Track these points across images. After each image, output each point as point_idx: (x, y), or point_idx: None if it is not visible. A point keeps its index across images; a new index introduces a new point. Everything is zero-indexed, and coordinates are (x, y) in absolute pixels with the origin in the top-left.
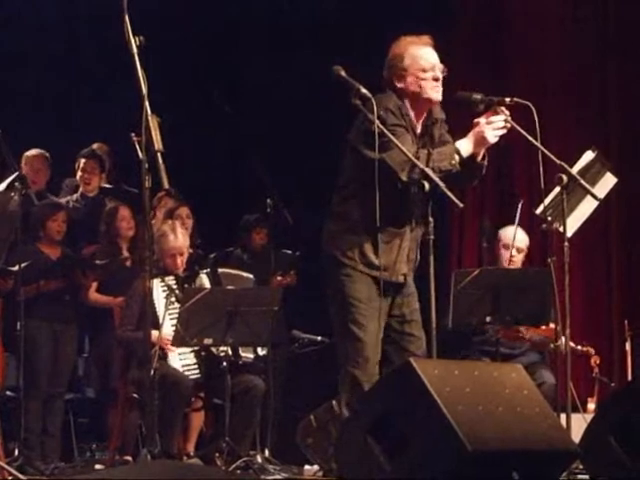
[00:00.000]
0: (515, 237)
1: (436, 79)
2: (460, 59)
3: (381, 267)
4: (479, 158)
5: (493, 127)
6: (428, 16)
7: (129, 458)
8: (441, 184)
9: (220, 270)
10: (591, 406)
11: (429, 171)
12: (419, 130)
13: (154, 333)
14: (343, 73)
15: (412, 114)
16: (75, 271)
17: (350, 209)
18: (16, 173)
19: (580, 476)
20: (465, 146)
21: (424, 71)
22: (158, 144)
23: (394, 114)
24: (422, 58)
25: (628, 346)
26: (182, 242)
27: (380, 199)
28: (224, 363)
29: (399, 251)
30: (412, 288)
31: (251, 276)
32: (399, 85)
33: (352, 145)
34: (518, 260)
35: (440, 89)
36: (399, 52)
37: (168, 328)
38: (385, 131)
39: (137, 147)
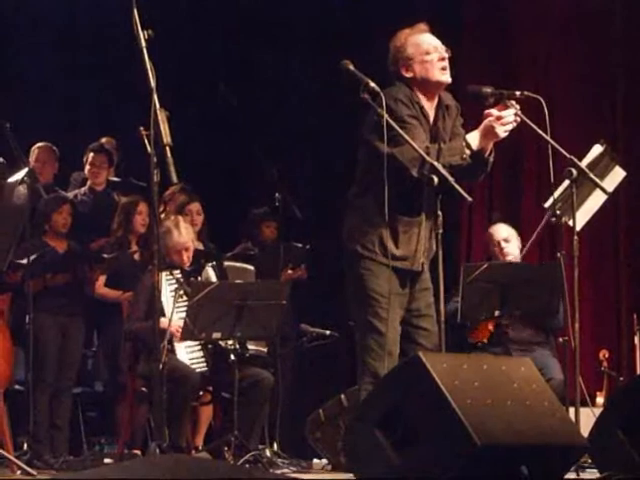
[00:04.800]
0: (498, 230)
1: (442, 58)
2: (469, 57)
3: (389, 256)
4: (486, 153)
5: (503, 122)
6: (435, 19)
7: (138, 452)
8: (450, 178)
9: (225, 263)
10: (600, 400)
11: (439, 166)
12: (432, 117)
13: (163, 320)
14: (352, 67)
15: (423, 102)
16: (82, 265)
17: (367, 202)
18: (26, 168)
19: (589, 470)
20: (475, 139)
21: (428, 53)
22: (167, 138)
23: (404, 104)
24: (423, 42)
25: (637, 340)
26: (186, 237)
27: (394, 190)
28: (232, 356)
29: (418, 240)
30: (428, 283)
31: (252, 267)
32: (408, 75)
33: (364, 139)
34: (512, 249)
35: (448, 70)
36: (400, 44)
37: (176, 321)
38: (395, 126)
39: (146, 141)
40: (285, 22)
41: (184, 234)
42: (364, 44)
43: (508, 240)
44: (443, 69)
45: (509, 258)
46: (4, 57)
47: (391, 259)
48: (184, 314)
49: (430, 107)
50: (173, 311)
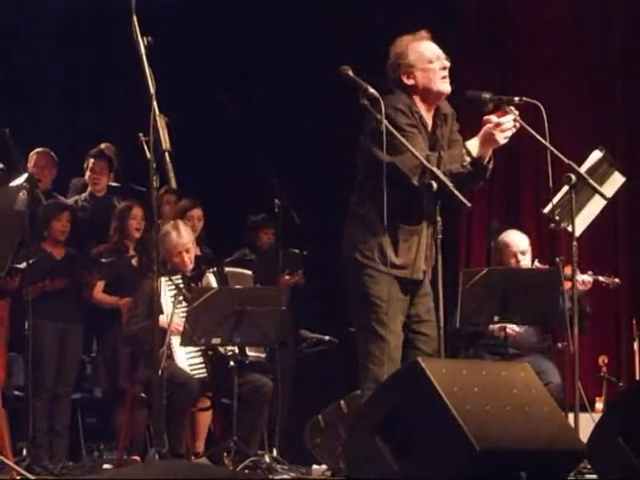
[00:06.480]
0: (516, 242)
1: (444, 67)
2: (468, 61)
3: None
4: (485, 160)
5: (502, 129)
6: (436, 19)
7: (137, 458)
8: (449, 184)
9: (226, 269)
10: (599, 406)
11: (438, 171)
12: (430, 126)
13: (162, 318)
14: (351, 73)
15: (422, 110)
16: (80, 270)
17: (367, 210)
18: (26, 174)
19: (588, 476)
20: (474, 146)
21: (431, 62)
22: (166, 144)
23: (404, 113)
24: (426, 50)
25: (636, 345)
26: (187, 239)
27: (395, 198)
28: (231, 362)
29: (418, 248)
30: (428, 289)
31: (249, 272)
32: (409, 82)
33: (364, 147)
34: (528, 261)
35: (448, 80)
36: (401, 50)
37: (176, 319)
38: (396, 134)
39: (145, 147)
40: (285, 25)
41: (184, 235)
42: (363, 45)
43: (525, 253)
44: (444, 78)
45: None
46: (3, 62)
47: (390, 267)
48: (183, 320)
49: (428, 116)
50: (172, 317)
